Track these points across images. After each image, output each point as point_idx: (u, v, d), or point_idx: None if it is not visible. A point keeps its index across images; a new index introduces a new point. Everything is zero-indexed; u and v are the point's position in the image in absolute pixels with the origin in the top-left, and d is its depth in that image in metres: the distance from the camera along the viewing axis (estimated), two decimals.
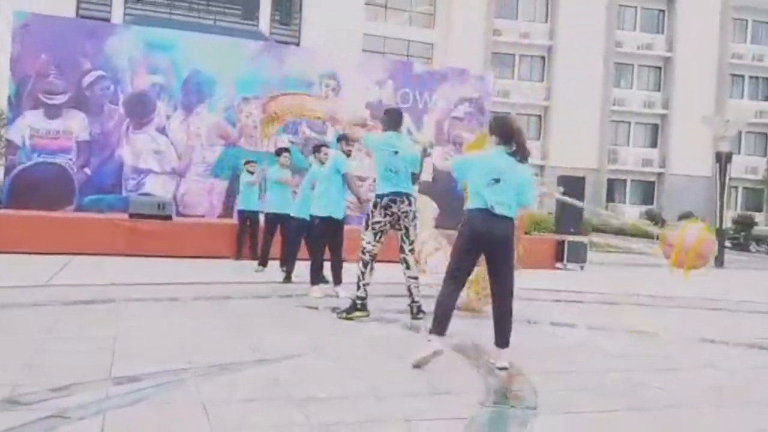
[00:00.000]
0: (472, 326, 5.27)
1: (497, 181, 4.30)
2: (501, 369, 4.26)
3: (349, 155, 7.17)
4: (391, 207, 5.92)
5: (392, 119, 6.21)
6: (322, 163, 7.72)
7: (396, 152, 5.96)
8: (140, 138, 13.19)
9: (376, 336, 5.26)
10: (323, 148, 8.22)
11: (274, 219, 9.18)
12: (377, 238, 5.99)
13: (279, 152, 9.49)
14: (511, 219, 4.35)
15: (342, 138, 7.30)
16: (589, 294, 8.97)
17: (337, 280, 7.16)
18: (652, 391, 4.02)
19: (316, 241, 7.22)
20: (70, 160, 12.76)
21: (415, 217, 6.13)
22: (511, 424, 3.30)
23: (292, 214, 8.19)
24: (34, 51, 12.60)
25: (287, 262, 8.33)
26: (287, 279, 8.16)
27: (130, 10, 30.56)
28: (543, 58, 37.16)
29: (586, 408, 3.57)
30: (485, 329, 5.18)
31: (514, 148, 4.36)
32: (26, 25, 12.69)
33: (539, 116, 37.31)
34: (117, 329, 4.90)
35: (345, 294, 6.82)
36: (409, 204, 5.99)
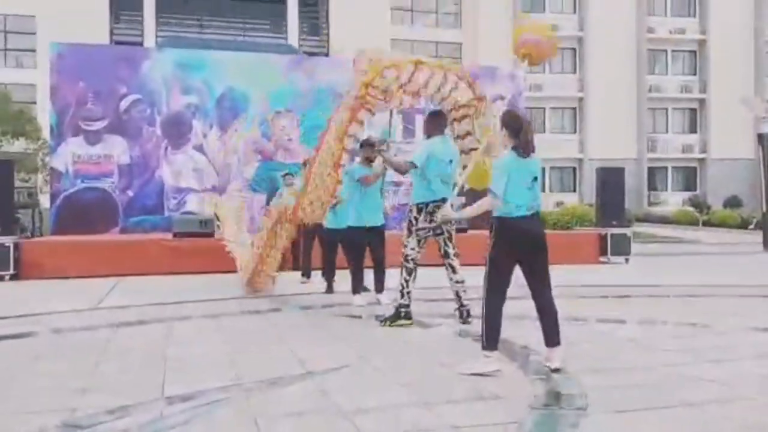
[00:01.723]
0: (516, 327, 5.23)
1: (535, 180, 4.30)
2: (555, 371, 4.20)
3: (371, 162, 7.05)
4: (435, 213, 5.82)
5: (440, 123, 6.07)
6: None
7: (450, 161, 5.94)
8: (179, 158, 13.46)
9: (420, 342, 5.26)
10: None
11: (310, 230, 9.14)
12: (421, 244, 5.95)
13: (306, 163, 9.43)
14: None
15: (364, 144, 7.10)
16: (636, 287, 8.83)
17: (380, 287, 7.17)
18: (707, 385, 3.94)
19: (356, 249, 7.22)
20: (113, 183, 13.09)
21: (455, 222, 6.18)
22: (562, 426, 3.27)
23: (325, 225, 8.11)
24: (71, 80, 12.96)
25: (327, 272, 8.35)
26: (329, 289, 8.20)
27: (162, 33, 31.20)
28: (574, 49, 36.75)
29: (638, 405, 3.52)
30: (528, 330, 5.15)
31: (517, 143, 4.31)
32: (62, 56, 13.07)
33: (574, 109, 36.89)
34: (167, 348, 5.00)
35: (387, 301, 6.83)
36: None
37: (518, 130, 4.33)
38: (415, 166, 5.88)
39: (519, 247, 4.26)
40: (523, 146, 4.30)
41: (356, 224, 7.02)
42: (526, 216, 4.26)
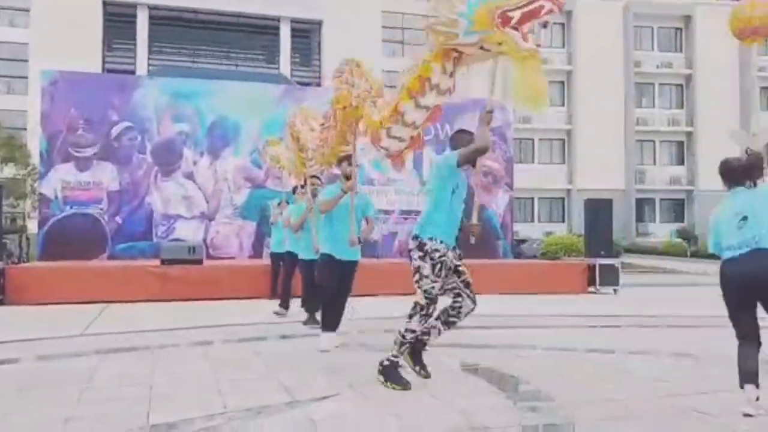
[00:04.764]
0: (506, 357, 5.21)
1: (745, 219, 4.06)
2: None
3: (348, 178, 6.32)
4: None
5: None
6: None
7: None
8: (168, 185, 13.44)
9: (408, 372, 5.22)
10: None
11: (285, 258, 8.97)
12: None
13: (295, 190, 9.00)
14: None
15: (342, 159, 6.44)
16: (625, 317, 8.83)
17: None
18: (697, 416, 3.93)
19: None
20: (101, 209, 13.04)
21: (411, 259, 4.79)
22: None
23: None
24: (63, 107, 12.97)
25: (308, 302, 7.81)
26: (311, 320, 7.72)
27: (154, 61, 31.37)
28: (562, 82, 37.20)
29: None
30: (519, 360, 5.13)
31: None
32: (54, 83, 13.09)
33: (562, 140, 37.22)
34: (153, 376, 4.94)
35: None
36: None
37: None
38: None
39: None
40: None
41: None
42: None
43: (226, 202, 13.75)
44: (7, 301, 9.87)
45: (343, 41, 32.29)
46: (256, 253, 13.60)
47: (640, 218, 37.38)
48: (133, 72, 29.81)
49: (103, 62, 31.01)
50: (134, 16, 31.95)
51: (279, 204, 10.41)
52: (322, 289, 6.32)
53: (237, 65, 32.18)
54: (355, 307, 6.65)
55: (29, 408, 4.06)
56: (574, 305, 10.19)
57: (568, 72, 36.76)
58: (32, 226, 19.77)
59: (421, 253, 4.58)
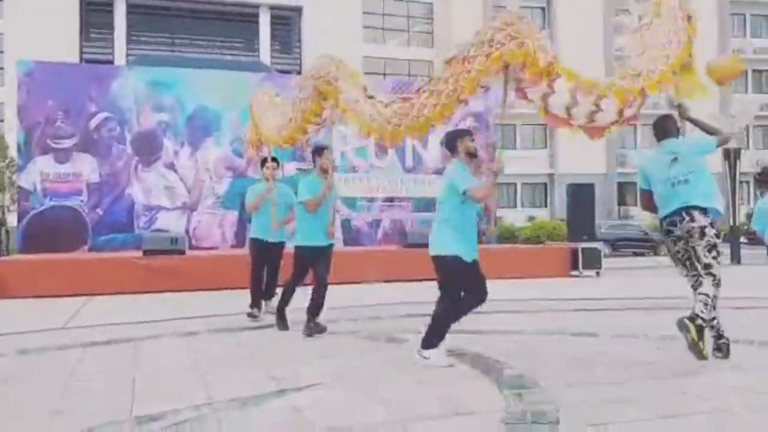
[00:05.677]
0: (491, 342, 5.23)
1: None
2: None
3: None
4: (672, 231, 5.13)
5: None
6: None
7: (675, 158, 5.15)
8: (149, 175, 13.32)
9: (394, 359, 5.23)
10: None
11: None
12: (682, 269, 5.43)
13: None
14: None
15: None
16: (608, 300, 8.90)
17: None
18: (680, 397, 3.96)
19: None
20: (82, 201, 12.90)
21: (704, 234, 4.96)
22: None
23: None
24: (40, 98, 12.79)
25: (284, 301, 6.73)
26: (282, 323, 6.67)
27: (133, 51, 31.00)
28: None
29: (612, 419, 3.52)
30: (504, 345, 5.14)
31: None
32: (30, 74, 12.89)
33: (544, 125, 37.33)
34: (137, 368, 4.91)
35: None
36: (692, 220, 4.93)
37: None
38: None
39: None
40: None
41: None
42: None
43: (207, 192, 13.66)
44: None
45: (324, 28, 32.13)
46: (239, 242, 13.54)
47: (622, 202, 37.72)
48: (111, 62, 29.47)
49: (81, 52, 30.61)
50: (112, 4, 31.54)
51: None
52: (451, 297, 4.89)
53: (216, 54, 31.91)
54: None
55: (12, 402, 4.02)
56: (557, 289, 10.24)
57: None
58: (12, 219, 19.54)
59: (715, 231, 4.97)
